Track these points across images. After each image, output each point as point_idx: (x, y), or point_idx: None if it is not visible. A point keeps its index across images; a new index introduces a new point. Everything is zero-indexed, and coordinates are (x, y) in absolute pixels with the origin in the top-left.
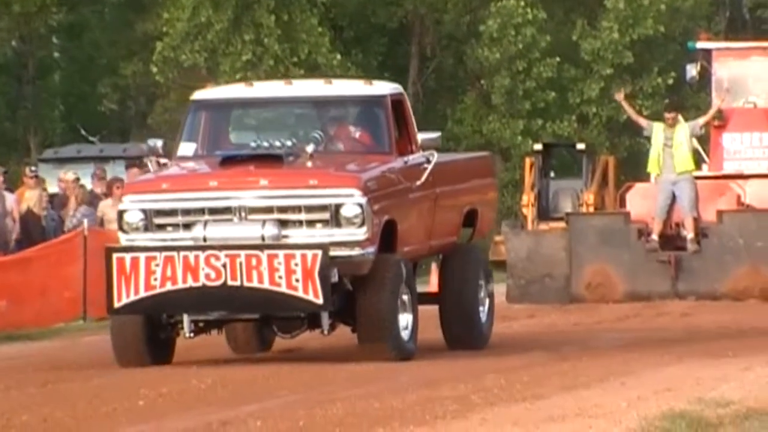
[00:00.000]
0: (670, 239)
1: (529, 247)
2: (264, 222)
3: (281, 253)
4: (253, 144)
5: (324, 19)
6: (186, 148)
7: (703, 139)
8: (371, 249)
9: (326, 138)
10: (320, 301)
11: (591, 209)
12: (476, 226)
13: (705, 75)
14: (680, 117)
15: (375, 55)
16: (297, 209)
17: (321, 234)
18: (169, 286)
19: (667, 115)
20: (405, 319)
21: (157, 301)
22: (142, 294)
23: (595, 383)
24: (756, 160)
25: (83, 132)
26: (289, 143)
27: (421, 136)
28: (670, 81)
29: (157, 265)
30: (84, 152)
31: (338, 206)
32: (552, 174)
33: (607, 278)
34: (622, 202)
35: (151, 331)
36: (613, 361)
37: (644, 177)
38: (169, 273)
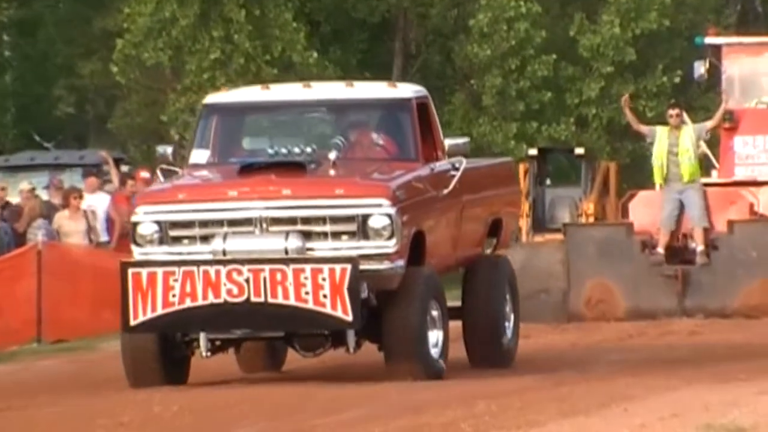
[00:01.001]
0: (677, 252)
1: (523, 261)
2: (287, 234)
3: (308, 267)
4: (270, 151)
5: (299, 13)
6: (199, 155)
7: (713, 143)
8: (400, 262)
9: (347, 144)
10: (350, 318)
11: (591, 219)
12: (500, 237)
13: (714, 73)
14: (686, 117)
15: (355, 53)
16: (322, 220)
17: (347, 246)
18: (188, 303)
19: (671, 112)
20: (435, 336)
21: (175, 318)
22: (160, 311)
23: (595, 409)
24: None
25: (37, 138)
26: (308, 150)
27: (448, 142)
28: (677, 80)
29: (175, 281)
30: (38, 160)
31: (366, 217)
32: (548, 181)
33: (608, 294)
34: (625, 212)
35: (165, 350)
36: (615, 385)
37: (648, 184)
38: (188, 289)
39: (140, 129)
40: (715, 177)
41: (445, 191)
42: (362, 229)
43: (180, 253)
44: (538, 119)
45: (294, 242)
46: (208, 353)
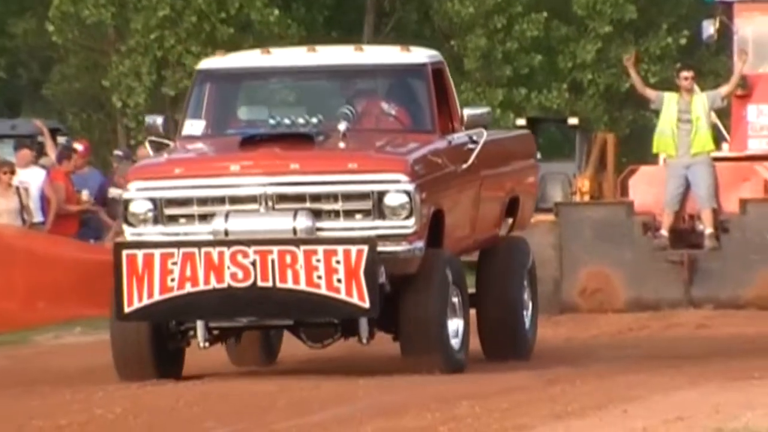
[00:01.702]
0: (683, 235)
1: None
2: (296, 212)
3: (320, 248)
4: (272, 121)
5: None
6: (192, 126)
7: (724, 113)
8: (419, 244)
9: (356, 114)
10: (366, 304)
11: (586, 198)
12: (517, 216)
13: (725, 33)
14: (696, 86)
15: (321, 10)
16: (333, 197)
17: (361, 226)
18: (188, 288)
19: (684, 74)
20: (455, 325)
21: (174, 305)
22: (157, 297)
23: (591, 411)
24: None
25: None
26: (314, 120)
27: (467, 112)
28: (683, 41)
29: (174, 264)
30: None
31: (382, 194)
32: (538, 155)
33: (605, 283)
34: (624, 190)
35: (159, 341)
36: (614, 384)
37: (651, 159)
38: (188, 273)
39: (79, 95)
40: (726, 150)
41: (464, 166)
42: (378, 208)
43: (177, 234)
44: (527, 85)
45: (303, 221)
46: (206, 344)
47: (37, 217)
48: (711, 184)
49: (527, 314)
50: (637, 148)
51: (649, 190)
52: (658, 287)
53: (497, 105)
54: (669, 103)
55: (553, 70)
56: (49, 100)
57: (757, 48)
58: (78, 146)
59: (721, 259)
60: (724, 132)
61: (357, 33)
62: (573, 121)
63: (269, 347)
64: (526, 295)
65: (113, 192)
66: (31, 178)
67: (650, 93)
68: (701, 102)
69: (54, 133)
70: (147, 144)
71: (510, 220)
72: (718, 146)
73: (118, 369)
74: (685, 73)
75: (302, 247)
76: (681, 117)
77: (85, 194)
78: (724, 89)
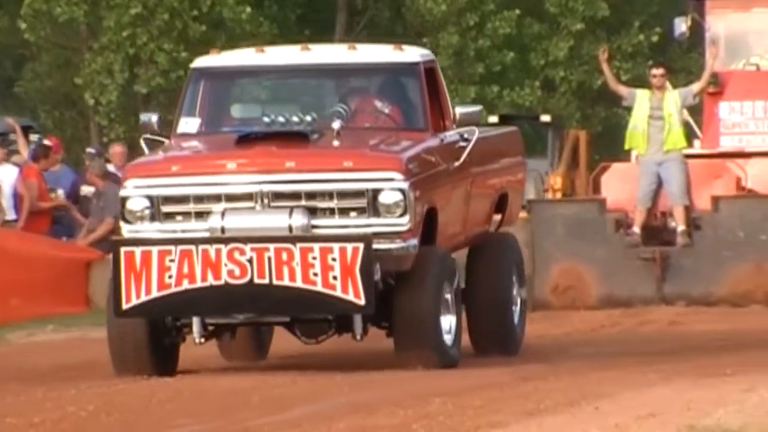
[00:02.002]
0: (656, 232)
1: None
2: (291, 210)
3: (317, 246)
4: (266, 120)
5: None
6: (187, 123)
7: (695, 110)
8: (413, 241)
9: (350, 112)
10: (362, 301)
11: (558, 195)
12: (505, 213)
13: (697, 31)
14: (668, 83)
15: (293, 8)
16: (328, 195)
17: (355, 224)
18: (186, 285)
19: (655, 72)
20: (448, 322)
21: (172, 302)
22: (155, 294)
23: (563, 408)
24: (759, 134)
25: None
26: (308, 119)
27: (459, 110)
28: (655, 38)
29: (172, 261)
30: None
31: (376, 192)
32: None
33: (578, 280)
34: (597, 187)
35: (155, 337)
36: (586, 380)
37: (623, 156)
38: (186, 270)
39: (52, 93)
40: (698, 148)
41: (456, 164)
42: (372, 205)
43: (174, 231)
44: (500, 82)
45: (299, 219)
46: (202, 339)
47: (10, 215)
48: (683, 182)
49: (516, 310)
50: (609, 145)
51: (621, 187)
52: (630, 284)
53: (470, 102)
54: (641, 100)
55: (526, 67)
56: (22, 97)
57: (729, 45)
58: (47, 142)
59: (694, 256)
60: (696, 129)
61: (329, 31)
62: (545, 118)
63: (260, 342)
64: (515, 291)
65: (85, 190)
66: (4, 175)
67: (622, 90)
68: (673, 99)
69: (26, 130)
70: (142, 142)
71: (499, 217)
72: (690, 143)
73: (115, 364)
74: (654, 71)
75: (298, 245)
76: (653, 114)
77: (60, 193)
78: (696, 86)
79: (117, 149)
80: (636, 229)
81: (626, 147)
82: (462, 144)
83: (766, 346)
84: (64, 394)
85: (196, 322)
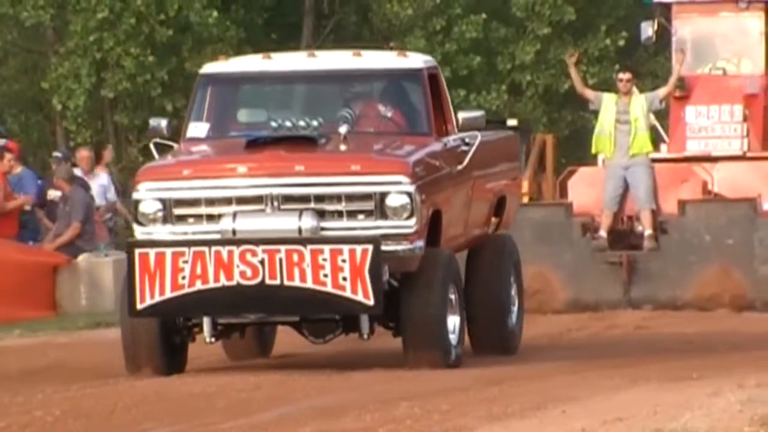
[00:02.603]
0: (622, 236)
1: None
2: (301, 212)
3: (327, 248)
4: (274, 124)
5: None
6: (196, 128)
7: (662, 114)
8: (420, 243)
9: (355, 117)
10: (371, 302)
11: (525, 199)
12: (503, 216)
13: (663, 35)
14: (635, 87)
15: (260, 12)
16: (336, 198)
17: (363, 226)
18: (199, 286)
19: (621, 77)
20: (452, 322)
21: (185, 302)
22: (169, 294)
23: (530, 412)
24: (726, 138)
25: None
26: (315, 123)
27: (461, 115)
28: (621, 42)
29: (185, 262)
30: None
31: (384, 195)
32: None
33: (545, 284)
34: (563, 191)
35: (167, 336)
36: (553, 384)
37: (590, 160)
38: (199, 271)
39: (18, 97)
40: (664, 152)
41: (459, 167)
42: (380, 208)
43: (185, 233)
44: (466, 86)
45: (308, 221)
46: (212, 339)
47: None
48: (650, 186)
49: (514, 310)
50: (576, 149)
51: (588, 191)
52: (597, 288)
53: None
54: (608, 104)
55: (492, 71)
56: None
57: (696, 49)
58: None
59: (660, 260)
60: (663, 133)
61: (296, 35)
62: (512, 122)
63: (263, 341)
64: (513, 292)
65: (52, 194)
66: None
67: (589, 93)
68: (640, 103)
69: None
70: (152, 146)
71: (496, 219)
72: (656, 147)
73: (128, 363)
74: (621, 75)
75: (309, 247)
76: (620, 118)
77: (24, 198)
78: (662, 91)
79: (83, 153)
80: (603, 233)
81: (593, 151)
82: (464, 148)
83: (732, 349)
84: (30, 398)
85: (206, 321)
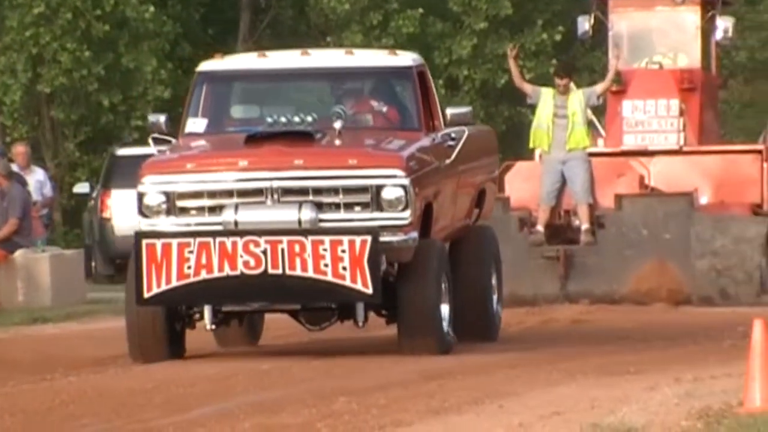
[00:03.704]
0: (559, 230)
1: None
2: (300, 205)
3: (327, 238)
4: (269, 120)
5: None
6: (194, 124)
7: (599, 108)
8: (414, 234)
9: (347, 113)
10: (369, 290)
11: None
12: (483, 207)
13: (600, 29)
14: (572, 84)
15: (197, 7)
16: (334, 191)
17: (360, 218)
18: (204, 275)
19: (559, 82)
20: (445, 310)
21: (190, 290)
22: (175, 283)
23: (467, 406)
24: (662, 132)
25: None
26: (309, 119)
27: (450, 111)
28: (558, 37)
29: (191, 252)
30: None
31: (380, 188)
32: None
33: None
34: (500, 185)
35: (170, 323)
36: (490, 379)
37: (527, 154)
38: (204, 261)
39: None
40: (601, 146)
41: (447, 161)
42: (376, 200)
43: (188, 225)
44: None
45: (307, 213)
46: (213, 326)
47: None
48: (587, 180)
49: (495, 298)
50: (513, 143)
51: (525, 185)
52: (534, 283)
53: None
54: (545, 98)
55: (429, 66)
56: None
57: (632, 44)
58: None
59: (597, 254)
60: (600, 128)
61: (233, 30)
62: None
63: (253, 329)
64: (494, 281)
65: None
66: None
67: (527, 87)
68: (577, 98)
69: None
70: (151, 141)
71: (478, 211)
72: (593, 142)
73: (132, 350)
74: (558, 80)
75: (310, 237)
76: (557, 113)
77: None
78: (599, 87)
79: (20, 149)
80: (540, 227)
81: (530, 145)
82: (451, 143)
83: (669, 344)
84: None
85: (207, 309)
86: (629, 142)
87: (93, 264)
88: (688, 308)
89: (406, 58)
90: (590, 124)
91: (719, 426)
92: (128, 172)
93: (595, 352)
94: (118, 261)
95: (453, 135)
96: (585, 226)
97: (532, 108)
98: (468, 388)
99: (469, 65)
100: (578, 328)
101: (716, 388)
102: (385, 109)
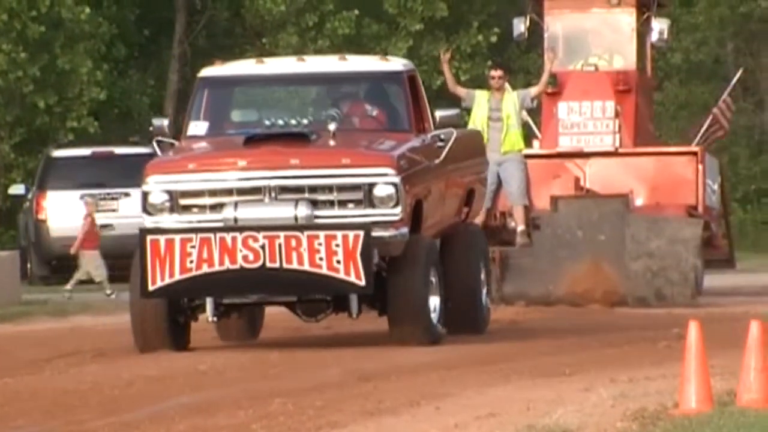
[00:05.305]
0: (495, 231)
1: None
2: (296, 202)
3: (322, 233)
4: (267, 122)
5: None
6: (196, 126)
7: (534, 110)
8: (404, 229)
9: (341, 116)
10: (362, 282)
11: None
12: (472, 206)
13: (536, 31)
14: (507, 84)
15: (132, 8)
16: (329, 189)
17: (353, 214)
18: (205, 269)
19: (493, 74)
20: (434, 302)
21: (193, 284)
22: (178, 277)
23: (403, 408)
24: (598, 134)
25: None
26: (305, 121)
27: (439, 113)
28: (494, 39)
29: (192, 247)
30: None
31: (372, 186)
32: None
33: None
34: None
35: (173, 316)
36: (426, 380)
37: None
38: (205, 255)
39: None
40: (537, 148)
41: (436, 161)
42: (368, 198)
43: (190, 222)
44: None
45: (303, 210)
46: (215, 318)
47: None
48: (522, 181)
49: (484, 293)
50: None
51: None
52: None
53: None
54: (480, 101)
55: None
56: None
57: (568, 45)
58: None
59: (532, 255)
60: (536, 129)
61: (168, 31)
62: None
63: (253, 323)
64: (483, 276)
65: None
66: None
67: (461, 91)
68: (512, 100)
69: None
70: (154, 143)
71: (467, 209)
72: (528, 144)
73: (137, 342)
74: (492, 73)
75: (306, 233)
76: (492, 115)
77: None
78: (534, 89)
79: None
80: None
81: None
82: (440, 144)
83: (604, 345)
84: None
85: (209, 302)
86: (565, 144)
87: (28, 265)
88: (623, 309)
89: (397, 64)
90: (526, 126)
91: (654, 428)
92: (64, 174)
93: (531, 354)
94: (54, 262)
95: (442, 136)
96: (520, 227)
97: (468, 110)
98: (404, 390)
99: None
100: (514, 330)
101: (651, 389)
102: (376, 111)
